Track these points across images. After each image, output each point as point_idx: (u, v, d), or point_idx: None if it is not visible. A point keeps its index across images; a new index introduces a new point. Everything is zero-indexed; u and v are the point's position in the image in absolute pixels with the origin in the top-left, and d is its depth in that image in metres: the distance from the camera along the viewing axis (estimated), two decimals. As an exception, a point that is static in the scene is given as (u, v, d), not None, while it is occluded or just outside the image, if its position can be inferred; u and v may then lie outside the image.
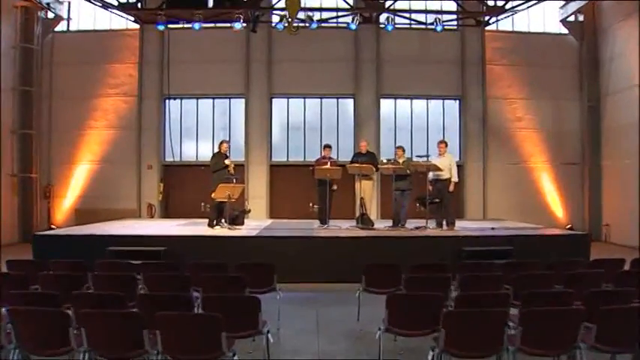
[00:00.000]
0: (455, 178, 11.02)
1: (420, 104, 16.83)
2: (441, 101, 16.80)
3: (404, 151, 11.53)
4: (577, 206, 16.68)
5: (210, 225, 11.16)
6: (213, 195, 10.66)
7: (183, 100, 16.65)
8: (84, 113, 16.34)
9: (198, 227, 11.46)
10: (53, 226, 15.96)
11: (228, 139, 11.55)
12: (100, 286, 5.63)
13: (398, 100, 16.75)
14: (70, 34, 16.76)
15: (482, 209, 16.57)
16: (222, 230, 10.88)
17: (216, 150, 11.57)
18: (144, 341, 4.02)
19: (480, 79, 16.56)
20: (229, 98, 16.66)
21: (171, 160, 16.32)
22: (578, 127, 16.70)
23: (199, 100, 16.69)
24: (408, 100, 16.76)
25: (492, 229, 11.28)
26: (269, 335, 4.89)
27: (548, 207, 16.71)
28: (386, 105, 16.69)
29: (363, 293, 6.67)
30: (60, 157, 16.42)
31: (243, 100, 16.45)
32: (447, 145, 11.39)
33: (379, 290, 6.50)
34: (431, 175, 10.96)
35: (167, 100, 16.50)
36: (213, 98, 16.65)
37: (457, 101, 16.77)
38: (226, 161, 11.01)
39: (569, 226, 16.18)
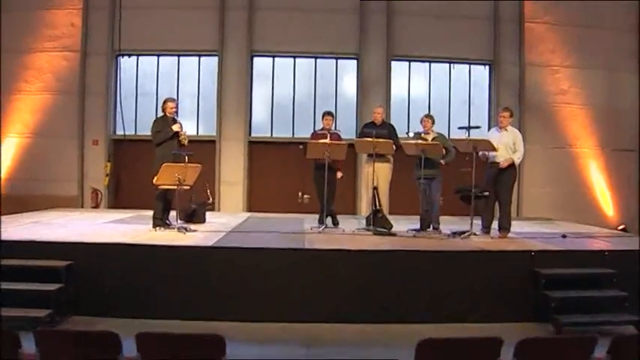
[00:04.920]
0: (517, 159, 7.73)
1: (440, 69, 13.99)
2: (468, 66, 13.96)
3: (434, 122, 8.30)
4: (631, 203, 13.88)
5: (155, 225, 7.71)
6: (155, 180, 7.22)
7: (139, 58, 13.72)
8: (12, 73, 13.37)
9: (137, 227, 8.05)
10: (-28, 218, 12.80)
11: (176, 98, 8.25)
12: None
13: (413, 64, 13.92)
14: (-5, -29, 13.58)
15: (516, 204, 13.45)
16: (166, 234, 7.39)
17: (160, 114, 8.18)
18: None
19: (517, 40, 13.72)
20: (198, 56, 13.68)
21: (123, 134, 13.37)
22: (637, 105, 13.90)
23: (160, 58, 13.71)
24: (426, 64, 13.92)
25: (564, 236, 7.96)
26: None
27: (596, 202, 13.82)
28: (398, 69, 13.82)
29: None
30: (-20, 129, 13.34)
31: (216, 59, 13.52)
32: (512, 116, 8.04)
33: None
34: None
35: (119, 58, 13.60)
36: (178, 56, 13.66)
37: (487, 67, 13.94)
38: (174, 126, 7.74)
39: (621, 227, 13.30)
